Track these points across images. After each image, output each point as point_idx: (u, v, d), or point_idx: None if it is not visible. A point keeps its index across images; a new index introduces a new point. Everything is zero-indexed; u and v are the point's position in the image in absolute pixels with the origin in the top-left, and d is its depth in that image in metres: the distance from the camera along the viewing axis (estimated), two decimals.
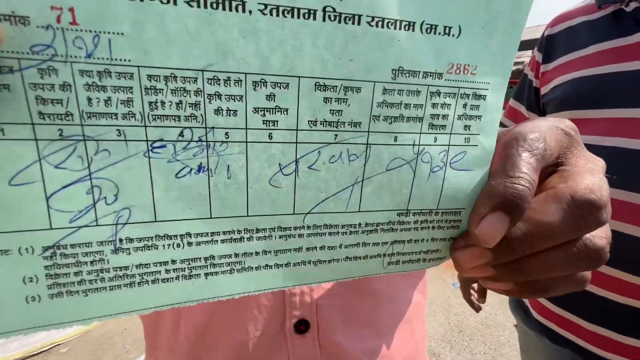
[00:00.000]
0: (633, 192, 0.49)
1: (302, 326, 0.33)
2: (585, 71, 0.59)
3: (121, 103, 0.13)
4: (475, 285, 0.76)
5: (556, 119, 0.20)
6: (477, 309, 0.76)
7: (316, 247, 0.18)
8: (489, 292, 0.76)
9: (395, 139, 0.17)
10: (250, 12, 0.13)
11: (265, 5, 0.13)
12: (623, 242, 0.50)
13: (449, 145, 0.18)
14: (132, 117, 0.13)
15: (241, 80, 0.14)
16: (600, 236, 0.18)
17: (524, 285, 0.19)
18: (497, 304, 1.88)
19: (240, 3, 0.13)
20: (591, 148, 0.54)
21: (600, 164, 0.19)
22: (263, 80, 0.14)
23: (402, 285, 0.41)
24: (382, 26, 0.14)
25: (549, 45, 0.67)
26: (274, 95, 0.14)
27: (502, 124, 0.80)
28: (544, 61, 0.67)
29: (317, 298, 0.34)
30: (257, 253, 0.17)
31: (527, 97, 0.72)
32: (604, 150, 0.53)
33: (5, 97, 0.12)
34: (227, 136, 0.14)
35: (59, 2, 0.11)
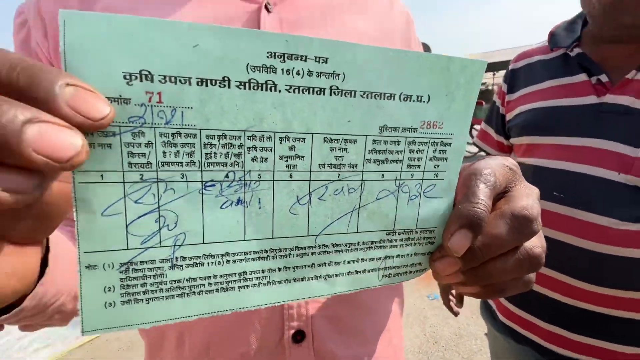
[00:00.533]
0: (575, 208, 0.57)
1: (298, 336, 0.37)
2: (540, 103, 0.67)
3: (186, 154, 0.18)
4: (454, 291, 0.83)
5: (503, 158, 0.26)
6: (456, 314, 0.83)
7: (325, 263, 0.23)
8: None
9: (383, 175, 0.22)
10: (279, 91, 0.18)
11: (290, 86, 0.18)
12: (567, 251, 0.58)
13: (422, 179, 0.23)
14: (192, 164, 0.18)
15: (271, 137, 0.19)
16: (537, 246, 0.24)
17: (487, 287, 0.24)
18: (469, 314, 1.97)
19: (273, 85, 0.18)
20: (543, 169, 0.63)
21: (535, 191, 0.25)
22: (287, 137, 0.19)
23: (383, 297, 0.45)
24: (371, 97, 0.20)
25: (513, 78, 0.76)
26: (295, 147, 0.19)
27: (475, 145, 0.89)
28: (509, 92, 0.76)
29: (311, 310, 0.38)
30: (279, 269, 0.21)
31: (495, 122, 0.81)
32: (553, 172, 0.61)
33: (107, 153, 0.16)
34: (259, 177, 0.19)
35: (152, 89, 0.16)
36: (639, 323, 0.54)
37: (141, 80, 0.16)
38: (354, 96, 0.20)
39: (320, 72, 0.18)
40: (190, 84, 0.16)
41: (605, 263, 0.54)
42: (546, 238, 0.67)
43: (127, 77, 0.15)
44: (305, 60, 0.18)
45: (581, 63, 0.63)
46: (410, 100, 0.21)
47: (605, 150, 0.56)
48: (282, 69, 0.18)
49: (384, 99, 0.20)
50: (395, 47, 0.48)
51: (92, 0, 0.34)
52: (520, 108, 0.71)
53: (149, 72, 0.16)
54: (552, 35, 0.70)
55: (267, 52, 0.17)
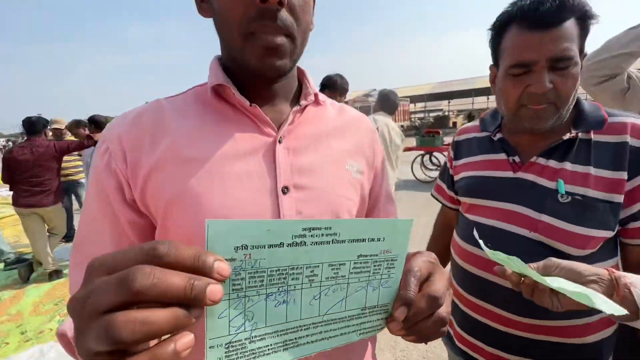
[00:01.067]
0: None
1: None
2: (476, 172, 0.87)
3: (259, 281, 0.33)
4: None
5: (427, 254, 0.43)
6: (426, 342, 1.00)
7: (329, 330, 0.38)
8: None
9: (359, 279, 0.38)
10: (307, 245, 0.34)
11: (313, 242, 0.34)
12: (499, 290, 0.76)
13: (380, 279, 0.40)
14: (262, 286, 0.33)
15: (302, 267, 0.34)
16: (444, 311, 0.40)
17: (418, 336, 0.41)
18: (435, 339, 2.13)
19: (304, 243, 0.34)
20: (481, 225, 0.85)
21: (446, 275, 0.42)
22: (309, 266, 0.35)
23: None
24: (353, 242, 0.36)
25: (457, 148, 0.97)
26: (313, 270, 0.35)
27: (432, 196, 1.08)
28: (455, 158, 0.96)
29: None
30: (305, 336, 0.37)
31: (447, 180, 1.00)
32: (486, 227, 0.80)
33: (222, 285, 0.31)
34: (294, 288, 0.35)
35: (246, 252, 0.31)
36: (552, 344, 0.73)
37: (241, 249, 0.31)
38: (345, 242, 0.36)
39: (327, 234, 0.35)
40: (264, 247, 0.32)
41: (523, 299, 0.73)
42: (483, 279, 0.85)
43: (235, 248, 0.31)
44: (320, 229, 0.34)
45: (502, 146, 0.84)
46: (374, 241, 0.38)
47: (519, 213, 0.76)
48: (309, 234, 0.34)
49: (360, 241, 0.37)
50: (364, 153, 0.67)
51: (157, 140, 0.49)
52: (463, 174, 0.91)
53: (246, 245, 0.31)
54: (482, 121, 0.92)
55: (302, 228, 0.33)
